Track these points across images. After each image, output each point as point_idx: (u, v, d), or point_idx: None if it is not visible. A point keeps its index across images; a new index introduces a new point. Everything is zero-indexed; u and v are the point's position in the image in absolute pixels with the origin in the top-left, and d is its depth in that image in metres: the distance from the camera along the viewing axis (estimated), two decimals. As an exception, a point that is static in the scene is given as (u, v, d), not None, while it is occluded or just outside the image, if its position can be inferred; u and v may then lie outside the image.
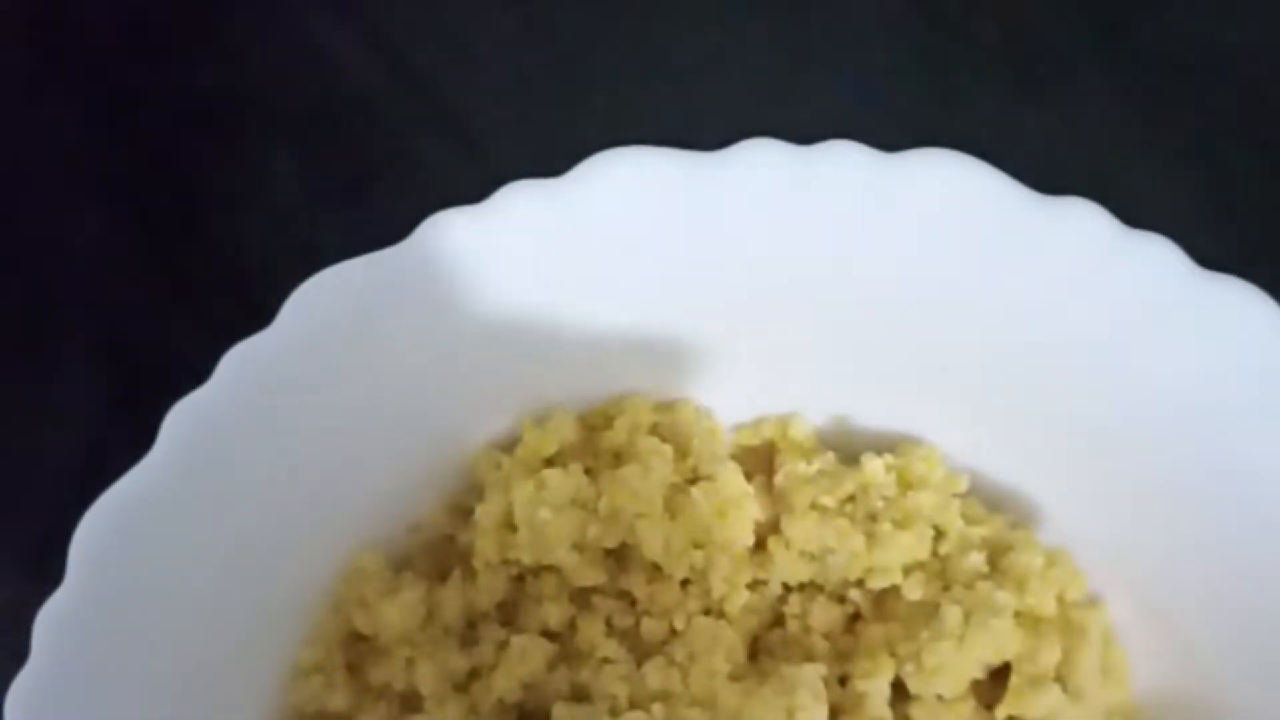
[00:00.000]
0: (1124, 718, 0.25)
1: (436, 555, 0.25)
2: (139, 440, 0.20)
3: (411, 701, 0.24)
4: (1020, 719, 0.24)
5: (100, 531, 0.20)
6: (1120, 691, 0.25)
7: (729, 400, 0.25)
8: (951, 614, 0.23)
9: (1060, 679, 0.24)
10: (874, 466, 0.25)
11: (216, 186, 0.31)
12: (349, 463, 0.23)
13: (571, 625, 0.24)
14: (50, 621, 0.20)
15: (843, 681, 0.24)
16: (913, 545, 0.24)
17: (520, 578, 0.24)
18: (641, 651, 0.24)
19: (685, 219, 0.22)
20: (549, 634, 0.24)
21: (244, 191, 0.31)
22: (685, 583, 0.25)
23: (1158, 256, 0.21)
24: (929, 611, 0.24)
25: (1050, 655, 0.24)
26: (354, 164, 0.31)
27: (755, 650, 0.25)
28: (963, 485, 0.25)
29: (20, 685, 0.20)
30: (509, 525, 0.23)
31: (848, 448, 0.25)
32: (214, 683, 0.22)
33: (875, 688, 0.23)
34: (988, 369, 0.24)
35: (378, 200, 0.30)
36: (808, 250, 0.22)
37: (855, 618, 0.25)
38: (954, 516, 0.25)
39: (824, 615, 0.25)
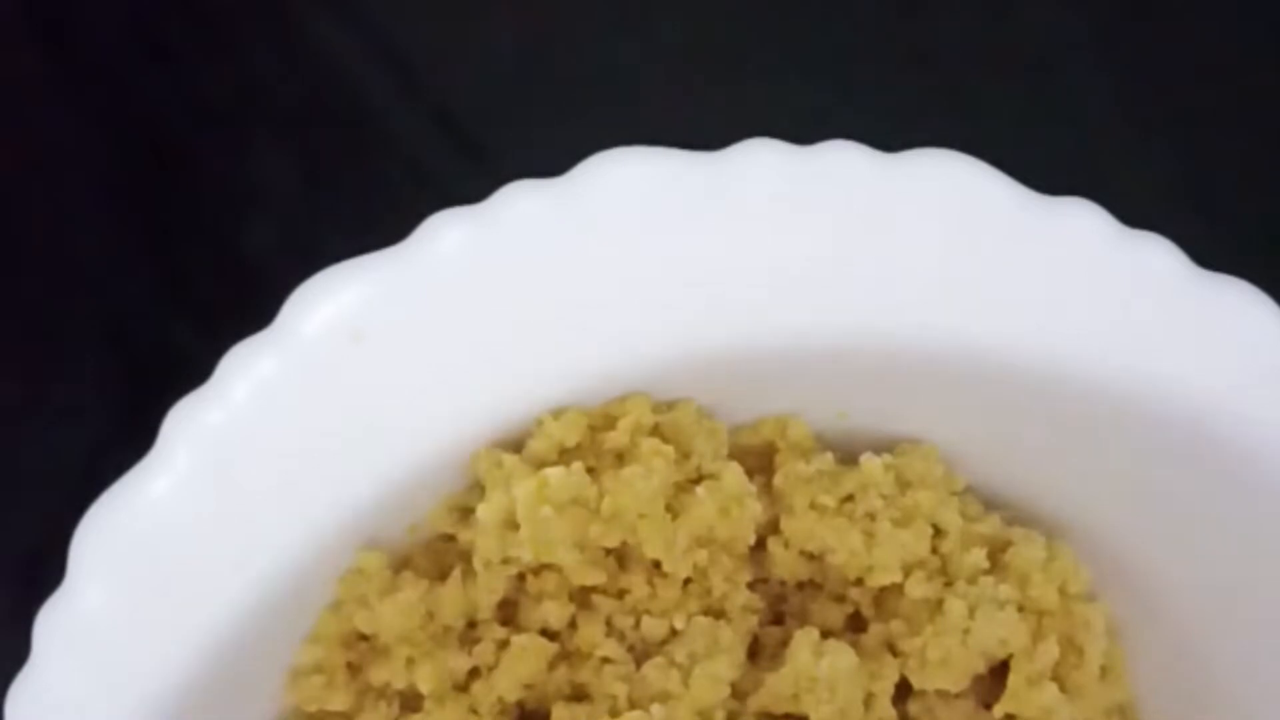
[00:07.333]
0: (1121, 716, 0.25)
1: (436, 555, 0.25)
2: (139, 440, 0.20)
3: (411, 701, 0.24)
4: (1018, 717, 0.24)
5: (100, 531, 0.20)
6: (1118, 689, 0.25)
7: (729, 400, 0.25)
8: (956, 608, 0.23)
9: (1058, 677, 0.24)
10: (873, 466, 0.25)
11: (217, 186, 0.31)
12: (349, 462, 0.23)
13: (571, 625, 0.24)
14: (50, 622, 0.20)
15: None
16: (912, 543, 0.24)
17: (520, 577, 0.24)
18: (641, 651, 0.24)
19: (685, 219, 0.22)
20: (549, 634, 0.24)
21: (244, 191, 0.31)
22: (686, 582, 0.25)
23: (1158, 256, 0.22)
24: (931, 608, 0.24)
25: (1049, 653, 0.24)
26: (354, 164, 0.31)
27: (755, 650, 0.25)
28: (961, 484, 0.25)
29: (19, 687, 0.20)
30: (510, 524, 0.23)
31: (847, 447, 0.25)
32: (214, 683, 0.22)
33: (881, 687, 0.23)
34: (986, 368, 0.24)
35: (377, 200, 0.30)
36: (807, 250, 0.22)
37: (855, 616, 0.25)
38: (953, 514, 0.25)
39: (824, 615, 0.25)
